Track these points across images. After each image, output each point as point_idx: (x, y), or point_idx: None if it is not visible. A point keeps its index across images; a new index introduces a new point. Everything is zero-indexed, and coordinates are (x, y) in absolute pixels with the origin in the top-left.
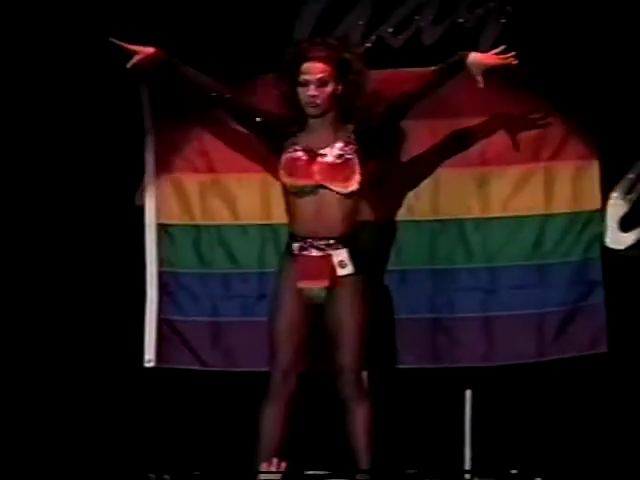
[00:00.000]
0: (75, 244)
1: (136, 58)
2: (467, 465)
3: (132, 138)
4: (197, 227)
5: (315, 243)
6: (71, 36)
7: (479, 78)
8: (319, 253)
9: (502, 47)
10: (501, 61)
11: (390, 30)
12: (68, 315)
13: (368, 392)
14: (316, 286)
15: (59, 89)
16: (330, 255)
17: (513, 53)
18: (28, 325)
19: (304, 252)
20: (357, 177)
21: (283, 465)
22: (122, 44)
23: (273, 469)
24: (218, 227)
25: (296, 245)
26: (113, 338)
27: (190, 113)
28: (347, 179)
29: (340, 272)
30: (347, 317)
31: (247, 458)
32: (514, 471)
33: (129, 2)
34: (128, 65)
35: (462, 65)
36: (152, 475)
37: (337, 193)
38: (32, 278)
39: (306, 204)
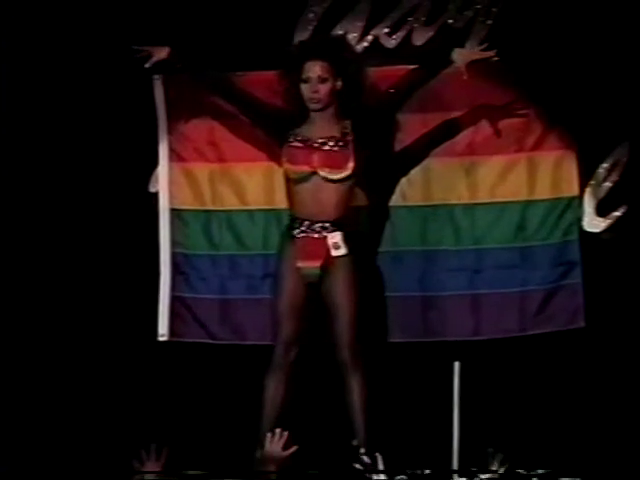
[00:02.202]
0: (95, 228)
1: (153, 60)
2: (456, 432)
3: (147, 131)
4: (207, 212)
5: (312, 226)
6: (92, 36)
7: (463, 70)
8: (315, 235)
9: (484, 45)
10: (481, 55)
11: (385, 31)
12: (89, 293)
13: (361, 362)
14: (312, 265)
15: (79, 85)
16: (325, 237)
17: (494, 51)
18: (54, 301)
19: (302, 234)
20: (351, 165)
21: (285, 435)
22: (141, 48)
23: (277, 439)
24: (226, 212)
25: (295, 228)
26: (130, 314)
27: (201, 107)
28: (341, 167)
29: (334, 253)
30: (341, 294)
31: (253, 423)
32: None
33: (143, 2)
34: (146, 65)
35: (447, 59)
36: None
37: (332, 180)
38: (57, 258)
39: (305, 190)
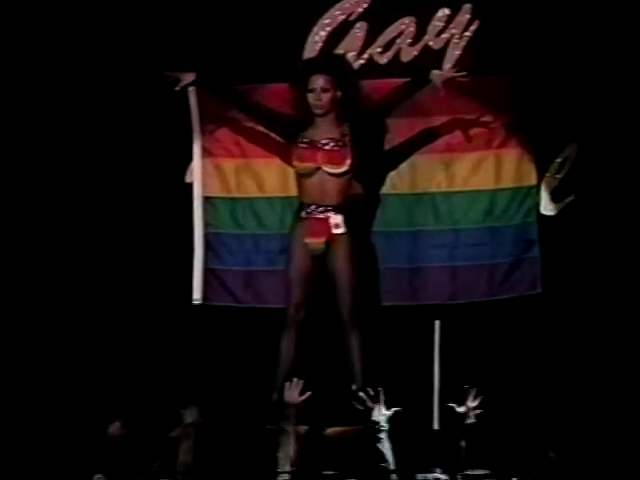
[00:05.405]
0: (142, 213)
1: (182, 83)
2: (436, 376)
3: (183, 132)
4: (233, 199)
5: (317, 210)
6: (144, 61)
7: (439, 87)
8: (320, 217)
9: (457, 67)
10: (453, 75)
11: (378, 50)
12: (137, 266)
13: (358, 321)
14: (317, 241)
15: (133, 99)
16: (328, 218)
17: (465, 72)
18: (108, 273)
19: (309, 215)
20: (348, 162)
21: (301, 383)
22: (172, 74)
23: (294, 386)
24: (249, 199)
25: (303, 211)
26: (170, 283)
27: (226, 114)
28: (341, 163)
29: (335, 231)
30: (341, 265)
31: (270, 372)
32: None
33: (169, 27)
34: (176, 88)
35: (427, 78)
36: None
37: (333, 174)
38: (112, 238)
39: (311, 182)
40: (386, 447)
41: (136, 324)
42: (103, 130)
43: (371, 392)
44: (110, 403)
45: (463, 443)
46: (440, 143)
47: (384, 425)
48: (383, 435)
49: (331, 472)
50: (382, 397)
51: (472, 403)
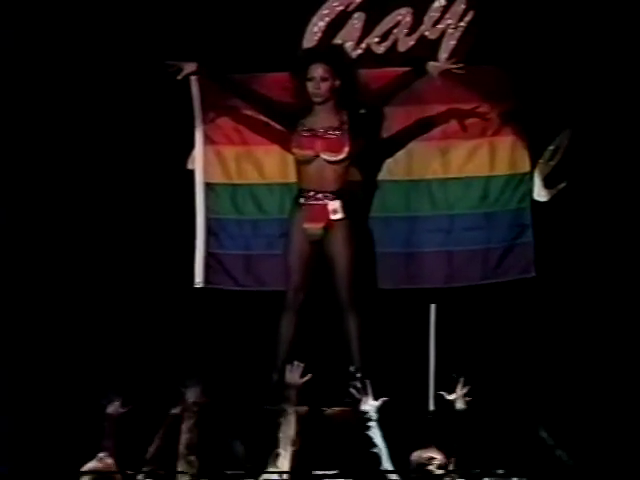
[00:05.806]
0: (146, 199)
1: (183, 73)
2: (432, 359)
3: (185, 121)
4: (234, 185)
5: (316, 196)
6: (149, 53)
7: (436, 78)
8: (319, 203)
9: (453, 59)
10: (449, 67)
11: (375, 40)
12: (141, 251)
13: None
14: (315, 226)
15: (138, 88)
16: (326, 204)
17: (461, 65)
18: (115, 256)
19: (308, 201)
20: (346, 149)
21: (302, 366)
22: (174, 63)
23: (295, 369)
24: (249, 185)
25: (302, 197)
26: (173, 266)
27: (227, 103)
28: (339, 151)
29: (333, 217)
30: (339, 250)
31: (270, 353)
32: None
33: (170, 17)
34: (178, 77)
35: (423, 69)
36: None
37: (331, 161)
38: (117, 223)
39: (310, 169)
40: (376, 434)
41: (140, 306)
42: (106, 119)
43: (358, 385)
44: (113, 384)
45: (456, 430)
46: (436, 131)
47: (373, 415)
48: (373, 424)
49: (330, 472)
50: (369, 388)
51: (461, 391)
